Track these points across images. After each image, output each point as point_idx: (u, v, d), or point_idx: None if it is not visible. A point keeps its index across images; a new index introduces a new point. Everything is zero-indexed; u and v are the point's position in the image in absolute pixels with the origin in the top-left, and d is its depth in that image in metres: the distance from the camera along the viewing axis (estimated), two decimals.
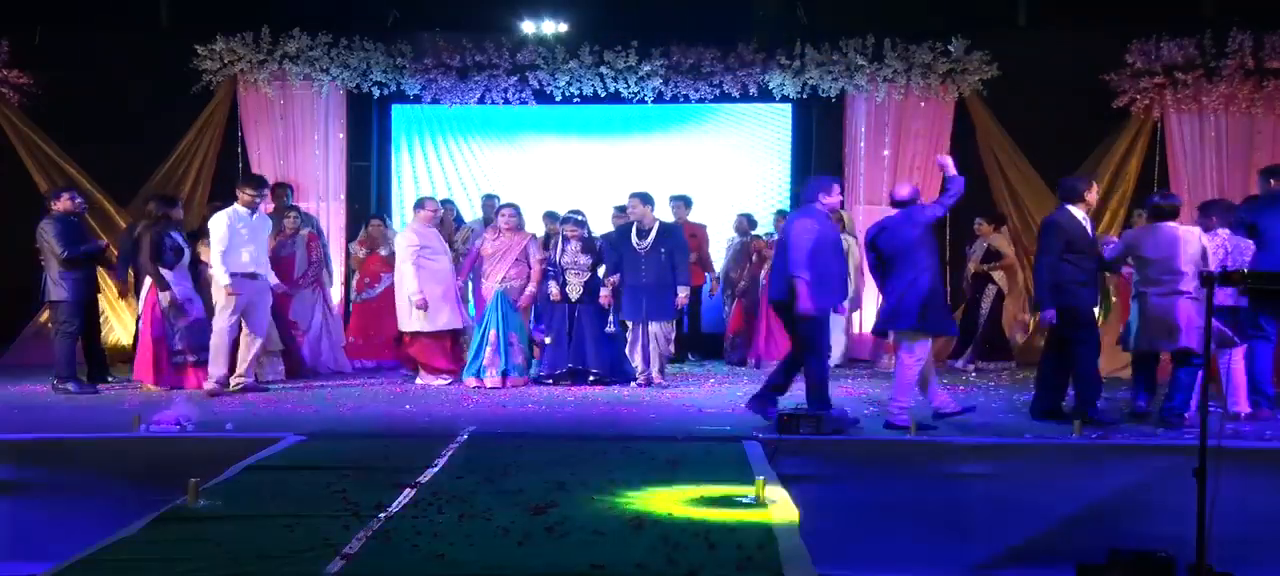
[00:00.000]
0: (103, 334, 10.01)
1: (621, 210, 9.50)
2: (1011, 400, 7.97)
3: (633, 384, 8.70)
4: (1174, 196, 7.26)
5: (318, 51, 10.77)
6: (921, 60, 10.61)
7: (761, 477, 4.84)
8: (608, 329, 8.81)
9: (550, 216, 9.75)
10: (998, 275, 9.94)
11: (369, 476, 5.12)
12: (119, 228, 10.13)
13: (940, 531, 5.84)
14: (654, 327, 8.69)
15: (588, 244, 8.83)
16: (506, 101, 10.96)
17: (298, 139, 11.05)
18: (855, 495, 5.94)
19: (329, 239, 10.39)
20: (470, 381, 8.58)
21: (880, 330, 7.06)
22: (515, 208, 8.97)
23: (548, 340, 8.86)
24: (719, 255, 10.77)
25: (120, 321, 10.54)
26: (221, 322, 8.12)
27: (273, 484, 5.01)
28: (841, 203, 7.08)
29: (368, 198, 11.45)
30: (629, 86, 10.82)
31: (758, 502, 4.60)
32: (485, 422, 6.80)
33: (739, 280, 10.38)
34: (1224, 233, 7.07)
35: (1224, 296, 6.58)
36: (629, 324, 8.82)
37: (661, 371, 8.78)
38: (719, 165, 11.37)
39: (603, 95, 10.91)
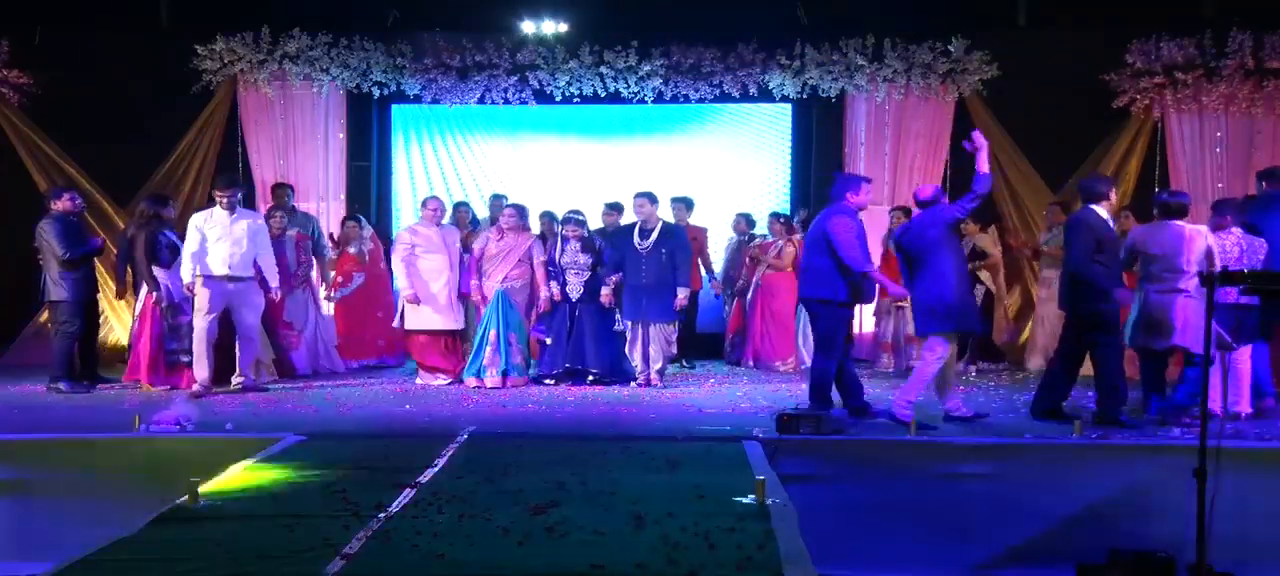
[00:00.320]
0: (103, 334, 10.04)
1: (612, 208, 9.48)
2: (1011, 400, 7.97)
3: (632, 384, 8.70)
4: (1182, 195, 7.23)
5: (318, 51, 10.78)
6: (921, 60, 10.61)
7: (761, 477, 4.84)
8: (616, 327, 8.82)
9: (547, 216, 9.74)
10: (984, 275, 9.94)
11: (369, 476, 5.12)
12: (119, 228, 10.13)
13: (940, 531, 5.84)
14: (655, 328, 8.70)
15: (587, 243, 8.83)
16: (506, 101, 10.96)
17: (298, 139, 11.05)
18: (855, 495, 5.94)
19: (328, 239, 10.36)
20: (470, 381, 8.59)
21: (921, 332, 7.01)
22: (518, 208, 8.98)
23: (548, 341, 8.86)
24: (718, 255, 10.76)
25: (120, 321, 10.54)
26: (197, 324, 8.07)
27: (273, 484, 5.01)
28: (868, 201, 7.06)
29: (368, 198, 11.45)
30: (629, 86, 10.83)
31: (758, 502, 4.60)
32: (485, 422, 6.80)
33: (738, 280, 10.38)
34: (1238, 232, 7.07)
35: (1223, 296, 6.57)
36: (630, 322, 8.83)
37: (662, 372, 8.79)
38: (719, 165, 11.37)
39: (603, 95, 10.91)
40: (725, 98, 10.99)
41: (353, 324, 9.95)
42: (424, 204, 9.18)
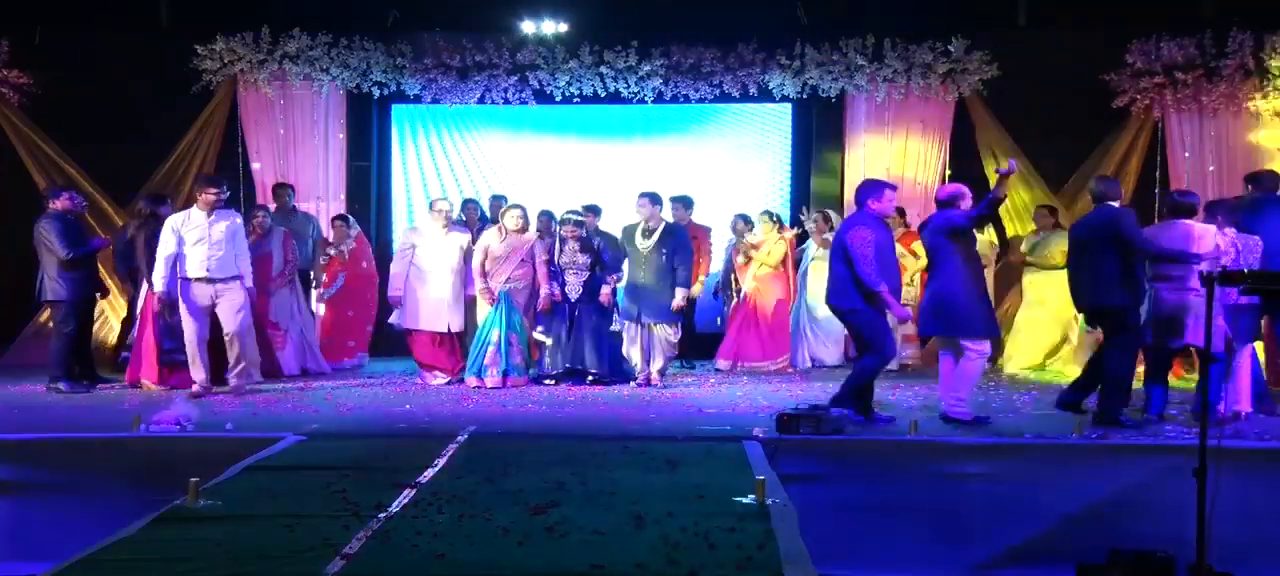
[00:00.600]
0: (102, 334, 10.04)
1: (589, 210, 9.41)
2: (1011, 400, 7.97)
3: (631, 384, 8.70)
4: (1192, 194, 7.24)
5: (318, 51, 10.78)
6: (921, 60, 10.61)
7: (761, 477, 4.83)
8: (613, 327, 8.82)
9: (546, 216, 9.69)
10: None
11: (369, 476, 5.12)
12: (118, 228, 10.12)
13: (940, 531, 5.84)
14: (657, 328, 8.70)
15: (586, 243, 8.84)
16: (506, 101, 10.96)
17: (298, 139, 11.05)
18: (855, 495, 5.94)
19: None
20: (471, 381, 8.59)
21: (923, 332, 7.03)
22: (523, 209, 8.99)
23: (548, 341, 8.86)
24: (718, 255, 10.74)
25: (116, 318, 10.53)
26: (186, 328, 7.97)
27: (273, 484, 5.00)
28: (893, 208, 6.99)
29: (368, 198, 11.46)
30: (629, 86, 10.83)
31: (758, 502, 4.59)
32: (485, 422, 6.80)
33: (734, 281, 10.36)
34: (1231, 232, 7.08)
35: (1225, 296, 6.57)
36: (628, 322, 8.83)
37: (663, 372, 8.78)
38: (719, 165, 11.37)
39: (603, 95, 10.92)
40: (725, 98, 10.99)
41: (335, 323, 9.99)
42: (432, 205, 9.22)
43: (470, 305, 9.07)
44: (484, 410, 7.47)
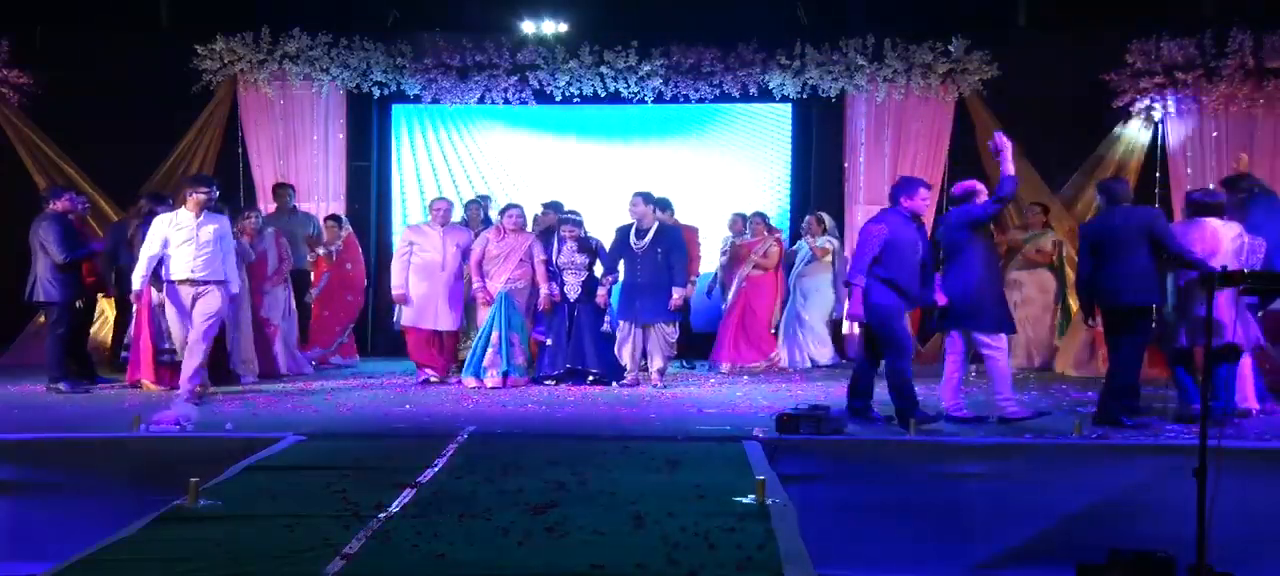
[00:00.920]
0: (102, 334, 10.04)
1: (551, 207, 9.37)
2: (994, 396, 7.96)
3: (613, 384, 8.69)
4: (1217, 193, 7.23)
5: (318, 51, 10.79)
6: (921, 60, 10.62)
7: (761, 477, 4.83)
8: (603, 328, 8.82)
9: (554, 207, 9.63)
10: None
11: (369, 476, 5.11)
12: (115, 222, 10.10)
13: (940, 531, 5.83)
14: (654, 328, 8.70)
15: (584, 243, 8.84)
16: (506, 101, 10.97)
17: (298, 139, 11.06)
18: (855, 495, 5.93)
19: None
20: (470, 381, 8.58)
21: (935, 328, 7.01)
22: (520, 208, 9.01)
23: (548, 341, 8.86)
24: (713, 256, 10.71)
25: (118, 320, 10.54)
26: (175, 332, 7.84)
27: (273, 484, 5.00)
28: (927, 205, 6.92)
29: (368, 198, 11.47)
30: (629, 86, 10.84)
31: (758, 502, 4.59)
32: (485, 422, 6.79)
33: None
34: (1237, 229, 7.09)
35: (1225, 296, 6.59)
36: (623, 322, 8.82)
37: (662, 372, 8.79)
38: (719, 165, 11.37)
39: (603, 95, 10.93)
40: (725, 98, 11.00)
41: (318, 322, 10.04)
42: (431, 205, 9.26)
43: (472, 305, 9.07)
44: (484, 410, 7.47)
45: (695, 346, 10.49)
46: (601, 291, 8.76)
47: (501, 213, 9.05)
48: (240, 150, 11.03)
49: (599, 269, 8.90)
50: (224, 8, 10.81)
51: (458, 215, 9.67)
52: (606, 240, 9.00)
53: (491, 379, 8.50)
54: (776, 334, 10.11)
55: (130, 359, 8.62)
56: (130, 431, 6.24)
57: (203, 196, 7.75)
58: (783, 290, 10.09)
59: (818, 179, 11.27)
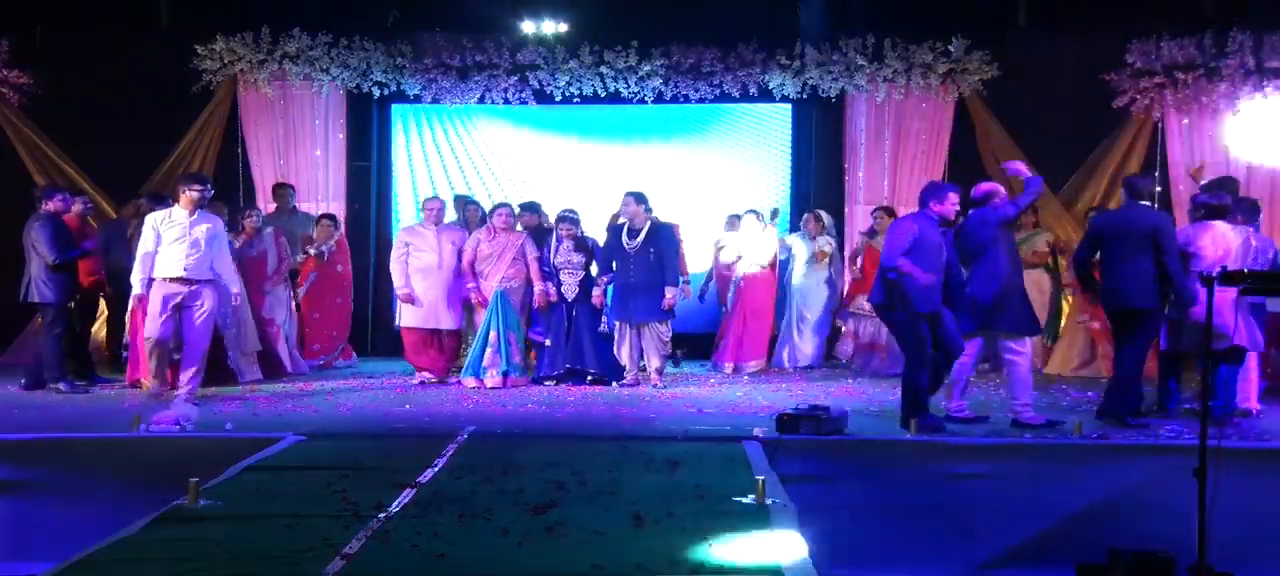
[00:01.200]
0: (102, 334, 10.03)
1: (528, 208, 9.36)
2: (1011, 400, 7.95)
3: (613, 385, 8.69)
4: (1223, 195, 7.24)
5: (318, 51, 10.78)
6: (921, 60, 10.62)
7: (761, 477, 4.84)
8: (600, 329, 8.83)
9: (531, 208, 9.55)
10: None
11: (369, 476, 5.12)
12: (112, 218, 10.08)
13: (940, 531, 5.84)
14: (648, 328, 8.69)
15: (580, 243, 8.84)
16: (506, 101, 10.97)
17: (298, 139, 11.05)
18: (855, 495, 5.94)
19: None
20: (470, 381, 8.58)
21: (966, 330, 6.97)
22: (509, 206, 9.03)
23: (547, 342, 8.86)
24: (698, 255, 10.66)
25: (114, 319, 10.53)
26: (149, 330, 7.64)
27: (273, 484, 5.00)
28: (956, 211, 6.80)
29: (368, 198, 11.46)
30: (629, 86, 10.83)
31: (757, 503, 4.59)
32: (485, 422, 6.80)
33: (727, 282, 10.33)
34: (1248, 231, 7.10)
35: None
36: (618, 322, 8.82)
37: (661, 371, 8.78)
38: (719, 165, 11.37)
39: (603, 95, 10.92)
40: (725, 98, 10.99)
41: (308, 322, 10.01)
42: (424, 204, 9.26)
43: (470, 305, 9.07)
44: (484, 410, 7.47)
45: (687, 344, 10.45)
46: (597, 292, 8.76)
47: (490, 212, 9.07)
48: (240, 150, 11.03)
49: (596, 268, 8.91)
50: (224, 8, 10.80)
51: (449, 215, 9.64)
52: (603, 240, 9.01)
53: (491, 379, 8.50)
54: (777, 334, 10.10)
55: (130, 359, 8.62)
56: (130, 431, 6.25)
57: (196, 194, 7.71)
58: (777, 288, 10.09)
59: (817, 179, 11.26)
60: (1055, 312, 9.89)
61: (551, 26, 10.85)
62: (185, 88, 10.73)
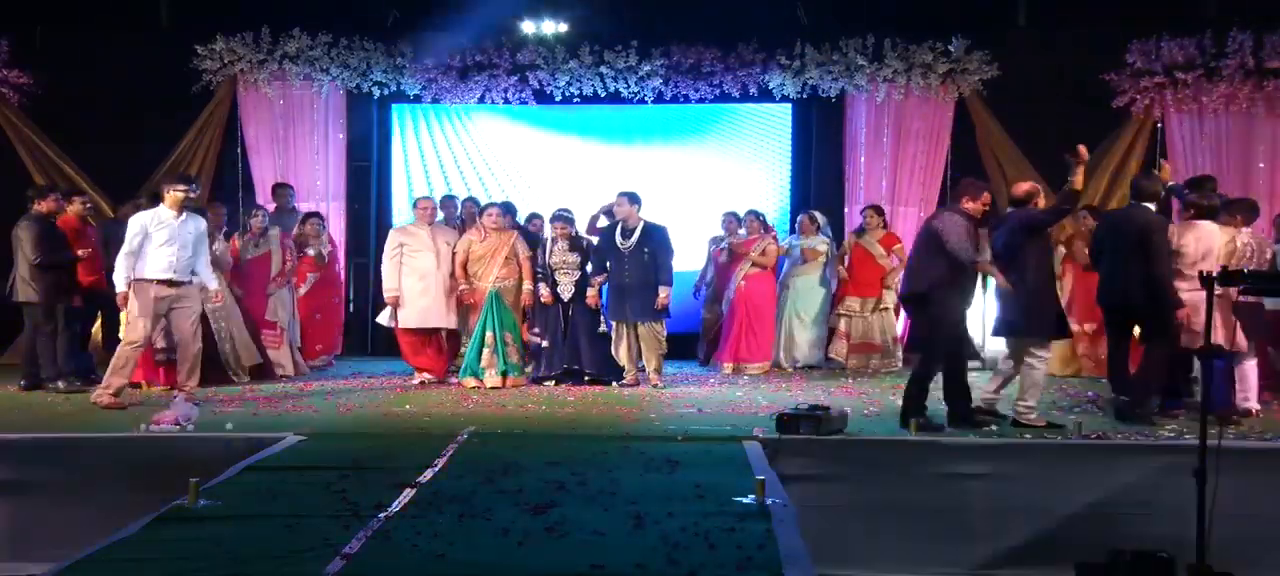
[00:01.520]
0: (97, 334, 10.02)
1: (505, 208, 9.34)
2: (1011, 400, 7.95)
3: (613, 385, 8.69)
4: (1214, 195, 7.24)
5: (318, 51, 10.79)
6: (921, 60, 10.62)
7: (761, 477, 4.83)
8: (600, 329, 8.82)
9: (506, 209, 9.53)
10: None
11: (369, 476, 5.12)
12: (109, 217, 10.07)
13: (940, 531, 5.84)
14: (644, 328, 8.69)
15: (575, 242, 8.84)
16: (506, 101, 10.97)
17: (298, 139, 11.06)
18: (855, 495, 5.94)
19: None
20: (469, 381, 8.58)
21: (996, 333, 6.96)
22: (501, 206, 9.03)
23: (545, 342, 8.86)
24: (692, 254, 10.62)
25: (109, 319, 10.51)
26: (133, 333, 7.45)
27: (272, 484, 5.00)
28: (987, 210, 6.74)
29: (368, 198, 11.46)
30: (629, 86, 10.84)
31: (758, 502, 4.59)
32: (485, 422, 6.80)
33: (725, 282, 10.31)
34: (1247, 231, 7.11)
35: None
36: (615, 322, 8.82)
37: (660, 371, 8.78)
38: (719, 165, 11.37)
39: (603, 95, 10.92)
40: (725, 98, 11.00)
41: (307, 324, 9.99)
42: (415, 204, 9.25)
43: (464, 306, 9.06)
44: (484, 410, 7.47)
45: (681, 344, 10.43)
46: (591, 292, 8.76)
47: (481, 211, 9.06)
48: (240, 150, 11.03)
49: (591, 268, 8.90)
50: (224, 8, 10.80)
51: (438, 217, 9.62)
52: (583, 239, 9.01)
53: (491, 378, 8.49)
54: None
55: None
56: (130, 431, 6.25)
57: (182, 194, 7.59)
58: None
59: (818, 179, 11.26)
60: None
61: (551, 26, 10.86)
62: (185, 88, 10.74)
